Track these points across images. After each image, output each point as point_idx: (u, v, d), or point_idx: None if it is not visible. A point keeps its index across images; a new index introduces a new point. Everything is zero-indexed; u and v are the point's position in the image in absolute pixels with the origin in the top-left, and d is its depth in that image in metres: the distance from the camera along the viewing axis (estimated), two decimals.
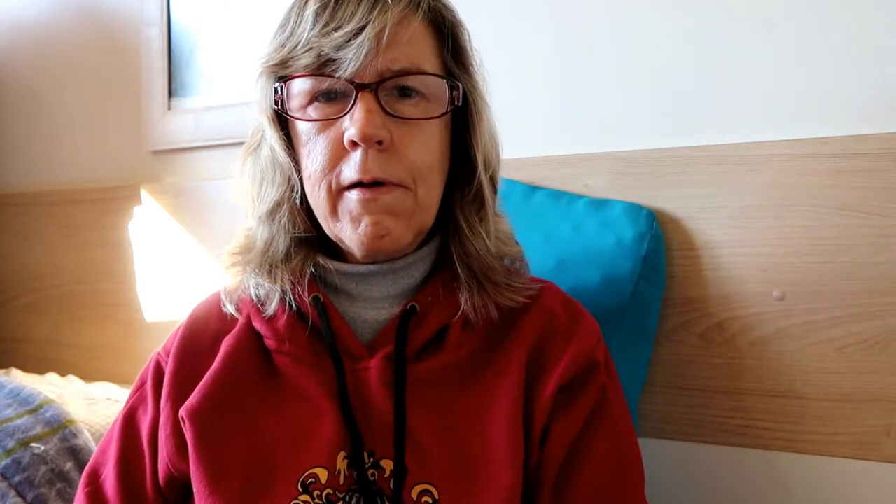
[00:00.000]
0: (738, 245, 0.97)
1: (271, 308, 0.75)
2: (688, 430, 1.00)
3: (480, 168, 0.75)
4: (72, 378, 1.41)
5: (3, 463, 1.00)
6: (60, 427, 1.07)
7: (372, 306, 0.76)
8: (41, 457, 1.02)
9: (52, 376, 1.41)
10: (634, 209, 0.99)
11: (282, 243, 0.75)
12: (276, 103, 0.72)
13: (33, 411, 1.08)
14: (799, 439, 0.94)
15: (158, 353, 0.81)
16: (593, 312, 0.84)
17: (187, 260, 1.43)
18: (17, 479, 1.00)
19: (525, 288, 0.76)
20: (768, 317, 0.95)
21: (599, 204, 1.01)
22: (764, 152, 0.95)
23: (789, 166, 0.94)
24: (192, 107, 1.49)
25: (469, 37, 0.76)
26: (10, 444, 1.02)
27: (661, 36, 1.04)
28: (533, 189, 1.07)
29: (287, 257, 0.75)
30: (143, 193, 1.51)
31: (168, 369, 0.77)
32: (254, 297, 0.76)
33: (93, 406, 1.19)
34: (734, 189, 0.97)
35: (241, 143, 1.57)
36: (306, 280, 0.74)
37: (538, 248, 0.99)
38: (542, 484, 0.71)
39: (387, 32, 0.68)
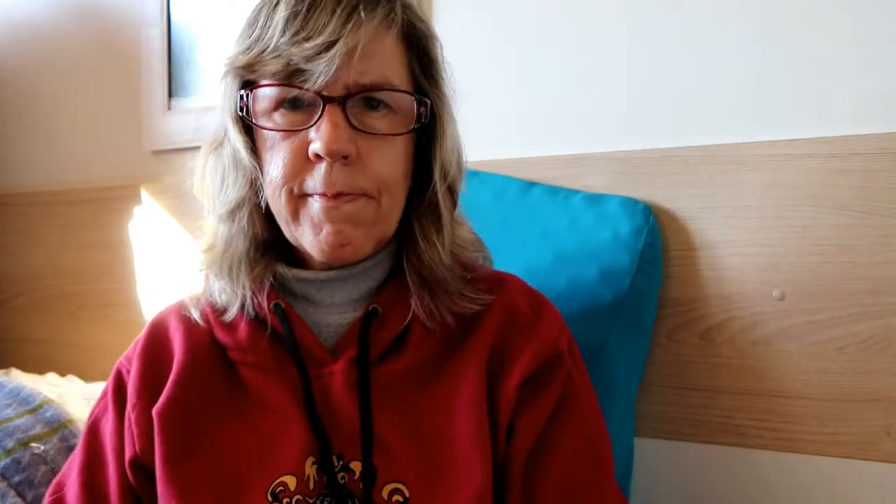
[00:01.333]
0: (738, 245, 0.97)
1: (231, 313, 0.75)
2: (687, 430, 1.00)
3: (437, 179, 0.74)
4: (72, 378, 1.41)
5: (3, 463, 1.00)
6: (60, 427, 1.07)
7: (334, 311, 0.75)
8: (41, 457, 1.02)
9: (52, 376, 1.41)
10: (630, 203, 0.99)
11: (241, 244, 0.74)
12: (241, 110, 0.71)
13: (33, 411, 1.08)
14: (799, 439, 0.94)
15: (120, 362, 0.80)
16: (591, 307, 0.84)
17: (187, 260, 1.43)
18: (16, 478, 1.00)
19: (478, 298, 0.75)
20: (768, 317, 0.95)
21: (596, 199, 1.02)
22: (764, 152, 0.95)
23: (789, 166, 0.94)
24: (192, 107, 1.49)
25: (441, 49, 0.76)
26: (10, 443, 1.02)
27: (661, 36, 1.04)
28: (529, 185, 1.07)
29: (248, 262, 0.74)
30: (143, 193, 1.51)
31: (134, 370, 0.76)
32: (217, 301, 0.76)
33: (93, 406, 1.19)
34: (734, 189, 0.97)
35: None
36: (266, 288, 0.74)
37: (535, 243, 1.00)
38: (512, 477, 0.71)
39: (359, 50, 0.67)
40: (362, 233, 0.71)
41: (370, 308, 0.73)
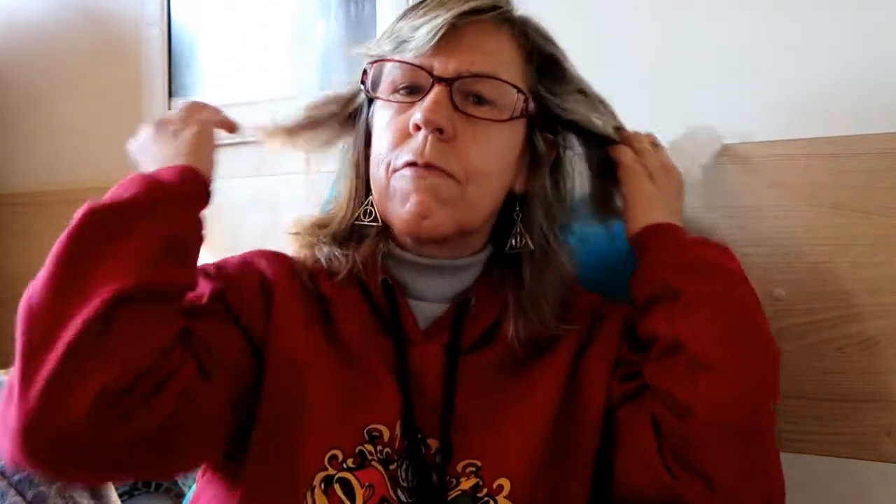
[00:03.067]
0: (738, 245, 0.96)
1: (344, 273, 0.76)
2: None
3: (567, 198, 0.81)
4: None
5: (3, 462, 1.00)
6: None
7: (426, 301, 0.78)
8: None
9: None
10: None
11: (350, 227, 0.79)
12: (363, 83, 0.77)
13: None
14: (799, 439, 0.94)
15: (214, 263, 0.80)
16: None
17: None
18: (16, 477, 1.00)
19: (569, 328, 0.78)
20: (768, 317, 0.94)
21: None
22: (764, 152, 0.95)
23: (789, 166, 0.94)
24: None
25: (565, 58, 0.81)
26: None
27: (660, 36, 1.04)
28: None
29: (359, 238, 0.78)
30: None
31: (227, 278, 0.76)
32: (326, 263, 0.77)
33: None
34: (734, 189, 0.97)
35: (240, 144, 1.56)
36: (378, 262, 0.77)
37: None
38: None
39: (451, 24, 0.71)
40: (445, 211, 0.73)
41: (462, 299, 0.77)
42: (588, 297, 0.83)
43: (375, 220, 0.78)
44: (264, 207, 1.34)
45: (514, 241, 0.79)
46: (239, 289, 0.74)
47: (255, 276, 0.77)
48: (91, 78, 1.64)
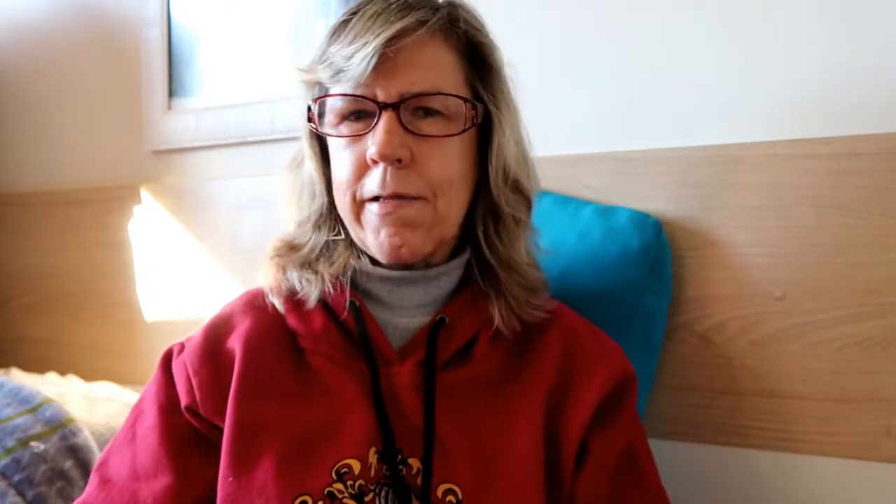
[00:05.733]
0: (738, 245, 0.97)
1: (313, 299, 0.77)
2: (687, 429, 1.00)
3: (494, 180, 0.78)
4: (72, 378, 1.41)
5: (3, 462, 1.00)
6: (60, 426, 1.07)
7: (403, 314, 0.79)
8: (41, 455, 1.02)
9: (52, 376, 1.41)
10: (641, 218, 0.98)
11: (322, 243, 0.80)
12: (309, 120, 0.77)
13: (33, 410, 1.08)
14: (799, 439, 0.94)
15: (168, 348, 0.81)
16: (599, 322, 0.85)
17: (187, 260, 1.43)
18: (16, 478, 1.00)
19: (542, 305, 0.80)
20: (768, 317, 0.95)
21: (606, 211, 1.00)
22: (764, 152, 0.95)
23: (789, 166, 0.94)
24: (192, 107, 1.49)
25: (497, 53, 0.80)
26: (10, 442, 1.02)
27: (661, 36, 1.04)
28: (540, 194, 1.06)
29: (329, 258, 0.79)
30: (143, 193, 1.51)
31: (193, 347, 0.78)
32: (297, 288, 0.78)
33: (93, 405, 1.19)
34: (734, 189, 0.97)
35: (241, 144, 1.57)
36: (347, 282, 0.77)
37: (543, 256, 0.99)
38: (588, 492, 0.74)
39: (401, 50, 0.71)
40: (420, 235, 0.74)
41: (438, 318, 0.77)
42: (566, 311, 0.84)
43: (345, 234, 0.79)
44: (264, 207, 1.34)
45: (482, 227, 0.79)
46: (190, 394, 0.76)
47: (209, 366, 0.77)
48: (91, 78, 1.64)
